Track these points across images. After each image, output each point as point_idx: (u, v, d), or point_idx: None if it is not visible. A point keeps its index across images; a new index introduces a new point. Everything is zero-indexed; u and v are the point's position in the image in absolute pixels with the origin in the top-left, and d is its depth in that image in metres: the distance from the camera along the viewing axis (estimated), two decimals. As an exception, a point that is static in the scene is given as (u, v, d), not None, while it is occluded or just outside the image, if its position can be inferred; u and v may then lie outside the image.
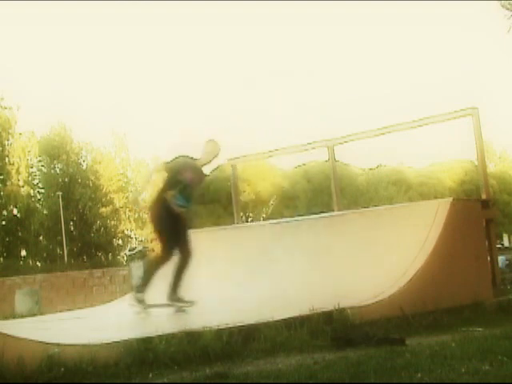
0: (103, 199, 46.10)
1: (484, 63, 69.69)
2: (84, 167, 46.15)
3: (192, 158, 7.43)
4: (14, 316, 11.57)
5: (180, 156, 7.37)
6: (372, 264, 7.47)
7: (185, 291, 7.26)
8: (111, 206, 46.55)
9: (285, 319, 5.72)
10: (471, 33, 71.51)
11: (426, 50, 70.63)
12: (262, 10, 72.25)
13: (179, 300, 7.20)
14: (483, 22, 55.35)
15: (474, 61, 66.96)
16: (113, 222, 47.09)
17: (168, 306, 7.17)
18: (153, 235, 7.17)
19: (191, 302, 7.15)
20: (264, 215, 42.08)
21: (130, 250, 19.49)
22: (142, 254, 17.63)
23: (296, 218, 10.54)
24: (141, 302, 7.12)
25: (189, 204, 7.27)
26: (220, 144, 7.50)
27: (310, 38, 70.07)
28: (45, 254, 44.22)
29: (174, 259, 7.23)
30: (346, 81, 69.30)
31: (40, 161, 45.30)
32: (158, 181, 7.52)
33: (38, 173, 45.53)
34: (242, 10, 72.00)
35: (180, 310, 7.12)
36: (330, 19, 66.77)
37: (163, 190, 7.16)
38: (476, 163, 10.00)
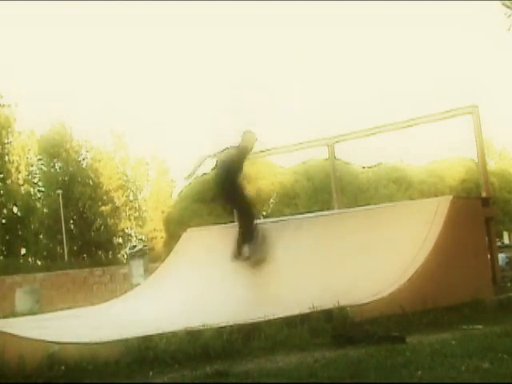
0: (103, 197, 46.12)
1: (484, 61, 69.58)
2: (84, 165, 46.14)
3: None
4: (14, 314, 11.57)
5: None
6: (372, 262, 7.46)
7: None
8: (111, 205, 46.59)
9: (285, 317, 5.73)
10: (471, 32, 71.39)
11: (426, 50, 70.41)
12: (262, 10, 72.13)
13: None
14: (483, 20, 55.22)
15: (474, 59, 66.81)
16: (113, 221, 47.14)
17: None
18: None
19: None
20: (264, 213, 42.09)
21: (130, 249, 19.49)
22: (142, 252, 17.62)
23: (296, 216, 10.54)
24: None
25: None
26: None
27: (309, 38, 69.97)
28: (45, 253, 44.23)
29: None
30: (346, 80, 69.11)
31: (40, 159, 45.31)
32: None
33: (37, 171, 45.56)
34: (242, 9, 71.97)
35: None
36: (330, 19, 66.56)
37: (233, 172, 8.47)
38: (476, 161, 9.99)
